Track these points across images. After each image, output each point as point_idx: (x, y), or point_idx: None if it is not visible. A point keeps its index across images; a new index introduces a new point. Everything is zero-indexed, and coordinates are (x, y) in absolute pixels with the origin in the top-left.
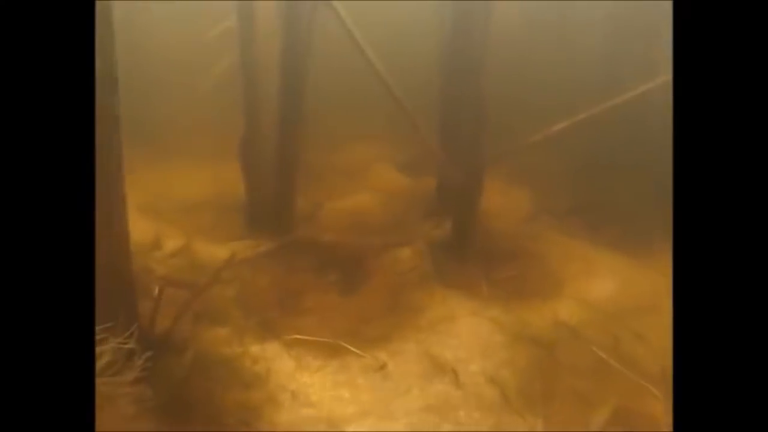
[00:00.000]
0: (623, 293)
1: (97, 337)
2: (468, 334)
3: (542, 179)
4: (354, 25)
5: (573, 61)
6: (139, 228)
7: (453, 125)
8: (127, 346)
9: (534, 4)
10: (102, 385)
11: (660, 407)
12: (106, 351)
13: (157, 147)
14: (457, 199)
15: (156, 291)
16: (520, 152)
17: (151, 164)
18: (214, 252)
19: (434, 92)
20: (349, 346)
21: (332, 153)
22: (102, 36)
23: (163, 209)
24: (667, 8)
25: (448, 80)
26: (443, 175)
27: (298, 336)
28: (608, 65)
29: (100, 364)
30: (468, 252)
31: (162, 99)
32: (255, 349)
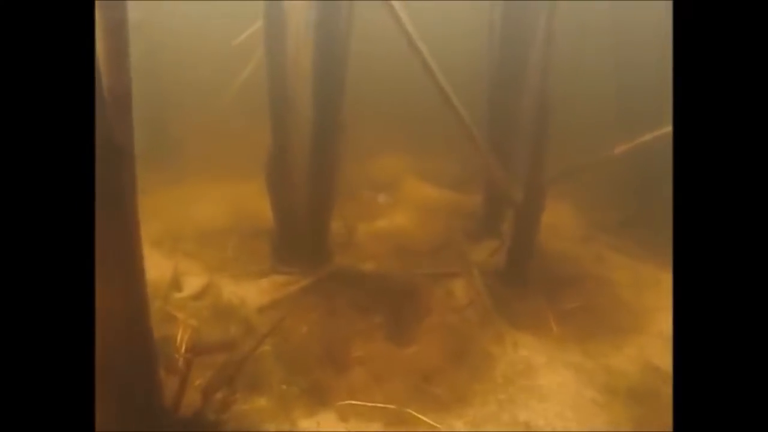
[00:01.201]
0: None
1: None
2: (554, 391)
3: (585, 192)
4: (406, 27)
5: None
6: (154, 263)
7: (506, 138)
8: None
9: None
10: None
11: None
12: None
13: (173, 166)
14: (515, 220)
15: (181, 362)
16: (585, 169)
17: (166, 186)
18: (242, 291)
19: (485, 102)
20: (417, 415)
21: (362, 167)
22: (114, 49)
23: (180, 238)
24: None
25: (504, 89)
26: (495, 193)
27: (354, 402)
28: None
29: None
30: (527, 280)
31: (179, 112)
32: (306, 424)
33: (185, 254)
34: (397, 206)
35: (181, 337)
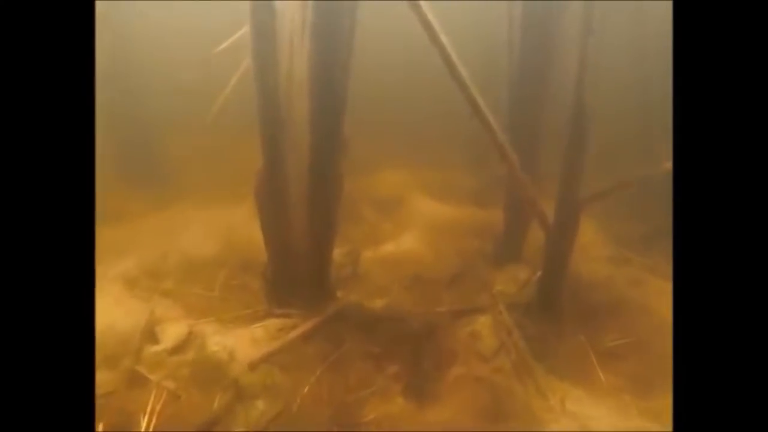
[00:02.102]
0: None
1: None
2: None
3: (602, 202)
4: (434, 28)
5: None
6: (127, 309)
7: (528, 149)
8: None
9: None
10: None
11: None
12: None
13: (157, 189)
14: (546, 244)
15: None
16: (629, 186)
17: (148, 212)
18: (231, 341)
19: (505, 111)
20: None
21: (362, 183)
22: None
23: (160, 274)
24: None
25: (526, 97)
26: (517, 210)
27: None
28: None
29: None
30: (561, 313)
31: (161, 129)
32: None
33: (165, 294)
34: (404, 226)
35: (152, 407)
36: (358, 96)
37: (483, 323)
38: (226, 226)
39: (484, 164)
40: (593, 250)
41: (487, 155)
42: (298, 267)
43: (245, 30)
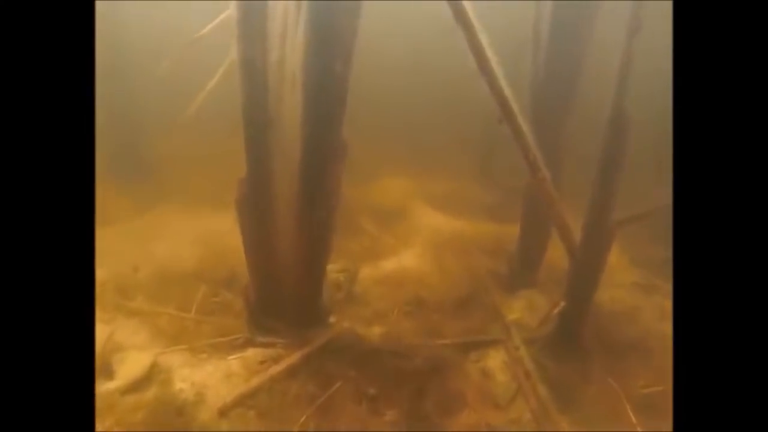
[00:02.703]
0: None
1: None
2: None
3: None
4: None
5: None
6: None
7: (555, 163)
8: None
9: None
10: None
11: None
12: None
13: (131, 189)
14: (571, 271)
15: None
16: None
17: (124, 216)
18: (202, 376)
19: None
20: None
21: (360, 191)
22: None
23: (129, 288)
24: None
25: (550, 106)
26: (535, 227)
27: None
28: None
29: None
30: (587, 351)
31: (139, 124)
32: None
33: (131, 314)
34: (406, 240)
35: None
36: (357, 95)
37: (495, 359)
38: (208, 234)
39: (496, 174)
40: (617, 275)
41: (498, 164)
42: (285, 288)
43: (230, 12)
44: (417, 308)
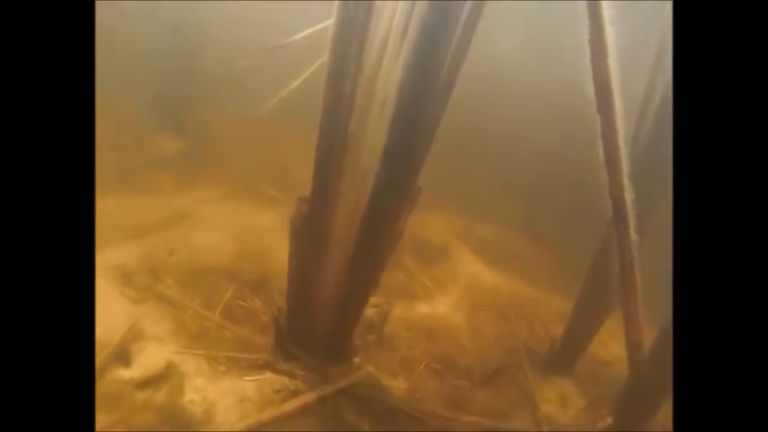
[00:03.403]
0: None
1: None
2: None
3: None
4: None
5: None
6: (112, 308)
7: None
8: None
9: None
10: None
11: None
12: None
13: (183, 164)
14: (631, 383)
15: None
16: None
17: (166, 185)
18: (214, 392)
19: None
20: None
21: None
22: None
23: (161, 270)
24: None
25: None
26: (587, 309)
27: None
28: None
29: None
30: None
31: (207, 106)
32: None
33: (158, 299)
34: (443, 285)
35: None
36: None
37: None
38: (246, 231)
39: (541, 228)
40: None
41: (545, 217)
42: (319, 319)
43: (326, 24)
44: (445, 367)
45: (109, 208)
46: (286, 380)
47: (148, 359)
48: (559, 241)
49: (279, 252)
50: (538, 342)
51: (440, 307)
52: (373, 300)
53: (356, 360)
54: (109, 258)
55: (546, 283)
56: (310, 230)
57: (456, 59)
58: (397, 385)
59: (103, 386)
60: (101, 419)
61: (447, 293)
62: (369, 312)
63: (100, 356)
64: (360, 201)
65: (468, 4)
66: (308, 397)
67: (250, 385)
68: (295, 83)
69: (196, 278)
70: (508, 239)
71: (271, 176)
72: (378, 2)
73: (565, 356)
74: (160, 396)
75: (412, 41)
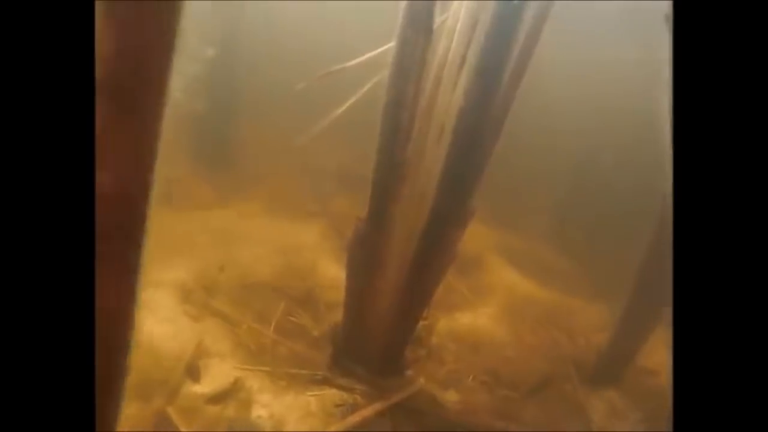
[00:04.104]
0: None
1: None
2: None
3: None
4: None
5: None
6: (178, 326)
7: None
8: None
9: None
10: None
11: None
12: None
13: (230, 177)
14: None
15: None
16: None
17: (213, 200)
18: (280, 407)
19: None
20: None
21: None
22: None
23: (212, 287)
24: None
25: None
26: (631, 320)
27: None
28: None
29: None
30: None
31: (254, 119)
32: None
33: (214, 315)
34: (481, 295)
35: None
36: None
37: None
38: (288, 245)
39: (568, 241)
40: None
41: (572, 231)
42: (374, 335)
43: (384, 49)
44: (493, 379)
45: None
46: (344, 395)
47: (214, 376)
48: (589, 252)
49: (321, 266)
50: (580, 352)
51: (481, 317)
52: None
53: (408, 373)
54: (169, 275)
55: (578, 293)
56: (366, 249)
57: (512, 86)
58: (449, 398)
59: (180, 400)
60: None
61: (486, 304)
62: (418, 327)
63: (176, 373)
64: (416, 222)
65: (524, 33)
66: (368, 411)
67: (312, 399)
68: (343, 107)
69: (245, 294)
70: (539, 250)
71: (307, 193)
72: (436, 29)
73: (611, 367)
74: (229, 411)
75: (471, 71)
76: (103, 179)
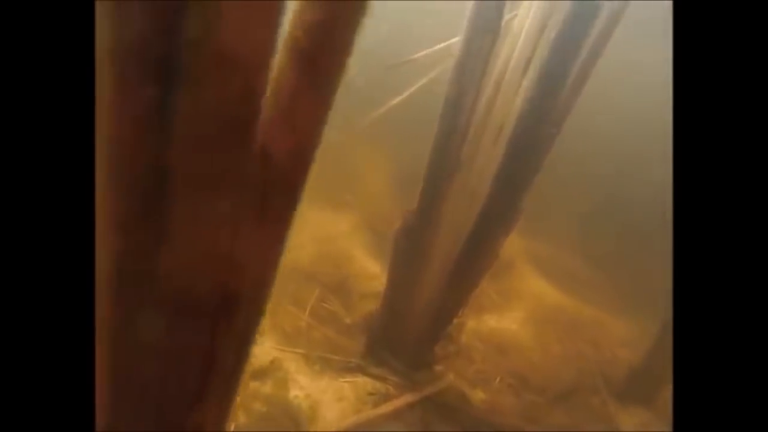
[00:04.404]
0: None
1: None
2: None
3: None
4: None
5: None
6: None
7: None
8: None
9: None
10: None
11: None
12: None
13: None
14: None
15: None
16: None
17: None
18: (316, 390)
19: None
20: None
21: None
22: None
23: None
24: None
25: None
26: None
27: None
28: None
29: None
30: None
31: None
32: None
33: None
34: (508, 300)
35: None
36: None
37: None
38: (323, 232)
39: (592, 248)
40: None
41: (595, 238)
42: (411, 328)
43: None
44: (520, 383)
45: None
46: (377, 384)
47: (254, 352)
48: (618, 265)
49: (356, 256)
50: (608, 366)
51: (507, 322)
52: None
53: (438, 368)
54: None
55: (605, 306)
56: (412, 242)
57: (575, 91)
58: (476, 396)
59: None
60: None
61: (513, 308)
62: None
63: None
64: (464, 220)
65: (590, 41)
66: (400, 402)
67: (346, 385)
68: (404, 95)
69: (280, 277)
70: (568, 259)
71: (343, 184)
72: (502, 32)
73: (644, 385)
74: (267, 388)
75: (535, 73)
76: (288, 139)
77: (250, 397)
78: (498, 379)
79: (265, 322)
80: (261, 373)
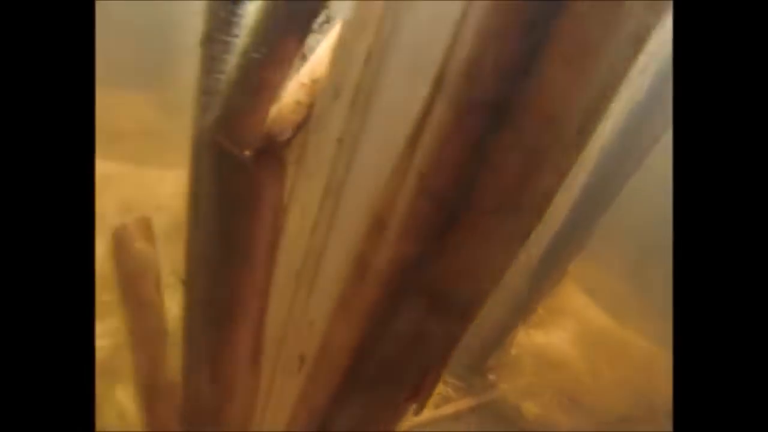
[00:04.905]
0: None
1: None
2: None
3: None
4: None
5: None
6: None
7: None
8: None
9: None
10: None
11: None
12: None
13: None
14: None
15: None
16: None
17: None
18: None
19: None
20: None
21: None
22: None
23: None
24: None
25: None
26: None
27: None
28: None
29: None
30: None
31: None
32: None
33: None
34: (555, 316)
35: None
36: None
37: None
38: None
39: (649, 282)
40: None
41: (653, 273)
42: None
43: None
44: (569, 400)
45: None
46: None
47: None
48: (668, 293)
49: None
50: (663, 400)
51: (555, 339)
52: None
53: (491, 377)
54: None
55: (653, 336)
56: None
57: (664, 121)
58: (528, 409)
59: None
60: None
61: (560, 327)
62: None
63: None
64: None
65: None
66: (461, 405)
67: None
68: None
69: None
70: (617, 283)
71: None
72: None
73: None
74: None
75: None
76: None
77: None
78: (549, 395)
79: None
80: None
